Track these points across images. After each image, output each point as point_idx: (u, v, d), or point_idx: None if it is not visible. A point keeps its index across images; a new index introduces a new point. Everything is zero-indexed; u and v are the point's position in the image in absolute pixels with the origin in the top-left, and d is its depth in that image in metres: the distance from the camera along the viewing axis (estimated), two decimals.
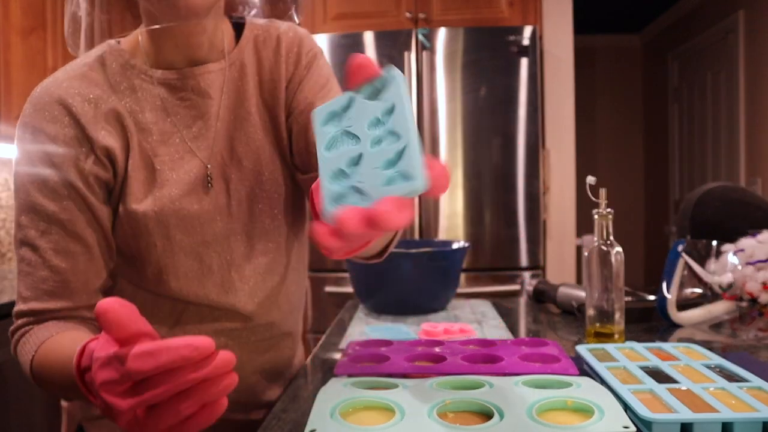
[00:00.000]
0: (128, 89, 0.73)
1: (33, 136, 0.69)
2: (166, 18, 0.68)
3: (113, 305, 0.45)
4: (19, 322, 0.70)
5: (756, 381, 0.67)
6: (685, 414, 0.57)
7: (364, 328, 1.11)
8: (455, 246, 1.29)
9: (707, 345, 0.96)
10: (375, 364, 0.79)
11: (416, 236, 2.50)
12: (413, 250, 1.22)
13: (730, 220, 1.47)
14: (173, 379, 0.43)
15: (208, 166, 0.76)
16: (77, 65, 0.73)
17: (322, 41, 2.52)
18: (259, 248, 0.81)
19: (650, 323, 1.14)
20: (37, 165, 0.69)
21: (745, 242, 1.28)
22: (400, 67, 2.48)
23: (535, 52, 2.45)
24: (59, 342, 0.65)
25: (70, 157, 0.70)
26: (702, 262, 1.30)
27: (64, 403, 0.87)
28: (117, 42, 0.76)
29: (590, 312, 0.96)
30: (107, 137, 0.71)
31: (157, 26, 0.69)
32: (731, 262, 1.26)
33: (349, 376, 0.73)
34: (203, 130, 0.76)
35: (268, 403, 0.89)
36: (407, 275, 1.20)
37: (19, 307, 0.70)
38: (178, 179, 0.75)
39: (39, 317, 0.70)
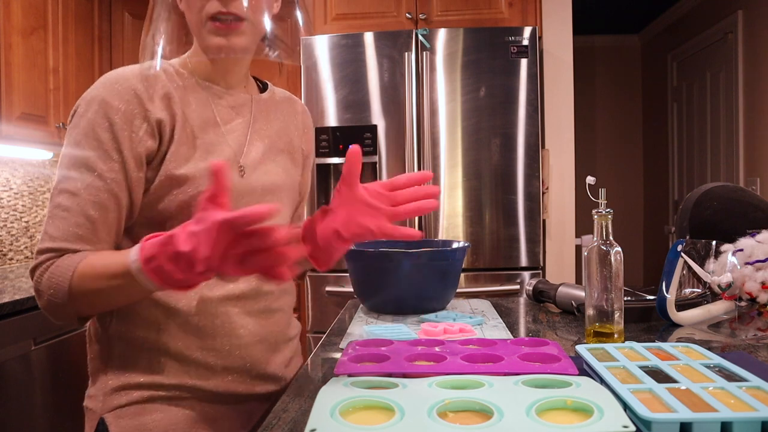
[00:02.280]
0: (181, 86, 0.90)
1: (99, 107, 0.83)
2: (218, 53, 0.88)
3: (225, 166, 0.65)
4: (44, 257, 0.80)
5: (755, 381, 0.67)
6: (685, 413, 0.57)
7: (363, 328, 1.11)
8: (455, 246, 1.29)
9: (706, 345, 0.96)
10: (375, 364, 0.79)
11: None
12: (413, 250, 1.22)
13: (729, 220, 1.47)
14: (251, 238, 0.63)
15: (240, 159, 0.92)
16: (143, 66, 0.87)
17: (323, 41, 2.52)
18: None
19: (649, 323, 1.14)
20: (97, 130, 0.82)
21: (744, 242, 1.29)
22: (401, 67, 2.49)
23: (534, 52, 2.46)
24: (101, 255, 0.80)
25: (127, 128, 0.83)
26: (701, 262, 1.30)
27: (86, 403, 0.90)
28: (168, 60, 0.92)
29: (590, 312, 0.96)
30: (160, 112, 0.85)
31: (211, 57, 0.91)
32: (730, 262, 1.26)
33: (349, 375, 0.74)
34: (237, 128, 0.94)
35: (270, 375, 0.97)
36: (407, 275, 1.20)
37: (46, 244, 0.81)
38: (219, 155, 0.89)
39: (62, 255, 0.80)
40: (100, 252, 0.82)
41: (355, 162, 0.77)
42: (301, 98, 2.54)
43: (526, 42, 2.45)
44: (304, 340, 2.59)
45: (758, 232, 1.29)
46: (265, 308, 0.96)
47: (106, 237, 0.83)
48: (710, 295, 1.24)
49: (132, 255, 0.71)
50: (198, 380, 0.89)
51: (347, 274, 2.50)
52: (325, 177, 2.61)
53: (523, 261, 2.48)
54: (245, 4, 0.85)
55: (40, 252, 0.81)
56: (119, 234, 0.86)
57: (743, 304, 1.25)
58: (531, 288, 1.36)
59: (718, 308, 1.18)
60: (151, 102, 0.85)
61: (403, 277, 1.21)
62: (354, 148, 0.76)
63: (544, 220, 2.66)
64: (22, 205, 2.63)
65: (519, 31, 2.46)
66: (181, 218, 0.80)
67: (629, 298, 1.21)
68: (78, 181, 0.81)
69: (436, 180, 2.50)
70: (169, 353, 0.88)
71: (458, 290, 1.33)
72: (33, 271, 0.81)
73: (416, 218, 2.50)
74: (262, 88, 1.05)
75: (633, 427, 0.54)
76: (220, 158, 0.89)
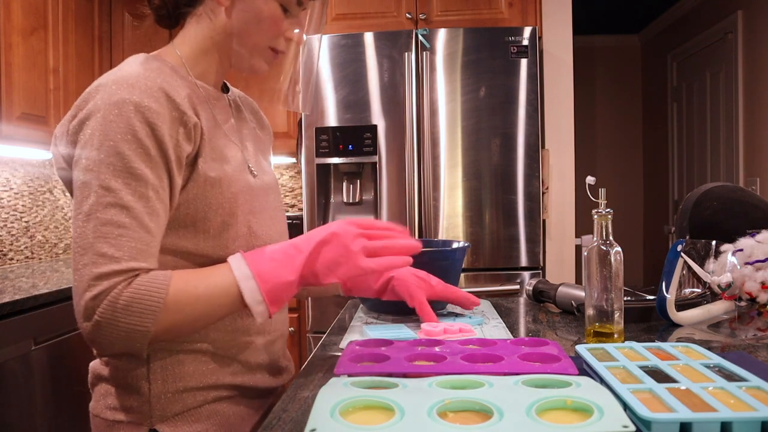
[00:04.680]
0: (187, 86, 0.87)
1: (137, 110, 0.76)
2: (252, 73, 0.94)
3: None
4: (110, 282, 0.71)
5: (755, 380, 0.67)
6: (685, 413, 0.57)
7: (363, 328, 1.11)
8: (455, 245, 1.29)
9: (706, 345, 0.96)
10: (375, 363, 0.79)
11: (416, 236, 2.50)
12: None
13: (729, 220, 1.47)
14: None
15: (246, 158, 0.94)
16: (146, 65, 0.83)
17: (323, 42, 2.52)
18: (280, 229, 0.98)
19: (649, 323, 1.14)
20: (139, 136, 0.76)
21: (744, 242, 1.29)
22: (401, 67, 2.49)
23: (534, 52, 2.46)
24: (193, 277, 0.78)
25: (168, 132, 0.78)
26: (701, 262, 1.30)
27: (121, 417, 0.84)
28: (153, 54, 0.89)
29: (590, 312, 0.96)
30: (192, 115, 0.83)
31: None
32: (730, 262, 1.26)
33: (349, 375, 0.74)
34: (231, 130, 0.94)
35: (283, 368, 1.00)
36: None
37: (109, 267, 0.72)
38: (233, 157, 0.90)
39: (132, 277, 0.73)
40: (186, 273, 0.78)
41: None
42: (294, 97, 2.54)
43: (526, 42, 2.45)
44: (304, 340, 2.60)
45: (758, 232, 1.29)
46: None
47: (158, 248, 0.79)
48: (710, 295, 1.24)
49: (248, 290, 0.76)
50: (241, 378, 0.90)
51: None
52: (325, 177, 2.61)
53: (523, 261, 2.48)
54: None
55: (102, 277, 0.71)
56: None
57: (743, 304, 1.25)
58: (531, 288, 1.36)
59: (717, 308, 1.18)
60: (182, 104, 0.81)
61: None
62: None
63: (544, 220, 2.66)
64: (22, 205, 2.63)
65: (519, 31, 2.46)
66: (211, 218, 0.83)
67: (629, 298, 1.21)
68: (126, 192, 0.74)
69: (436, 180, 2.50)
70: (213, 354, 0.87)
71: None
72: (93, 301, 0.71)
73: (416, 218, 2.50)
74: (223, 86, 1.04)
75: (633, 427, 0.54)
76: (235, 159, 0.90)
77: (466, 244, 1.29)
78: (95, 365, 0.89)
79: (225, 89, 1.01)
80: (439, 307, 1.26)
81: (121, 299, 0.71)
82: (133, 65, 0.82)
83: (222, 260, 0.83)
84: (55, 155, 0.83)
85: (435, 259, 1.23)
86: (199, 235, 0.84)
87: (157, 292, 0.73)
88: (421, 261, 1.21)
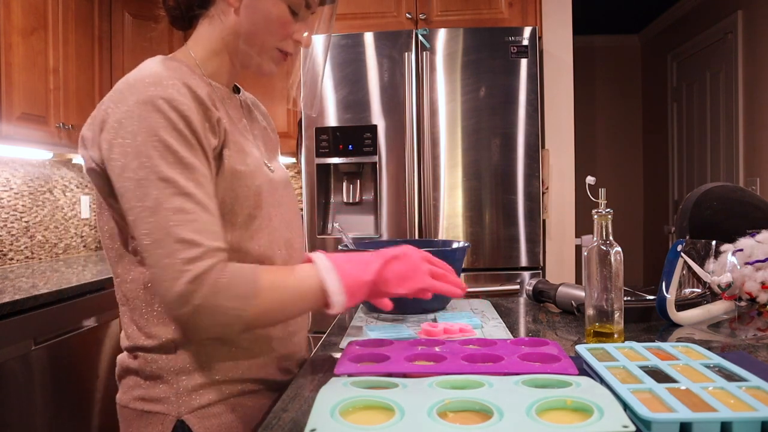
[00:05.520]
0: (205, 85, 0.89)
1: (170, 105, 0.79)
2: (261, 74, 0.96)
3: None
4: (206, 263, 0.75)
5: (755, 380, 0.67)
6: (685, 413, 0.57)
7: (364, 328, 1.11)
8: (455, 245, 1.29)
9: (706, 345, 0.96)
10: (375, 364, 0.79)
11: (416, 236, 2.50)
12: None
13: (729, 220, 1.47)
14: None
15: (262, 155, 0.96)
16: (165, 65, 0.85)
17: (322, 41, 2.52)
18: (297, 223, 1.01)
19: (649, 323, 1.14)
20: (179, 127, 0.79)
21: (744, 242, 1.29)
22: (400, 67, 2.49)
23: (534, 52, 2.46)
24: (278, 271, 0.84)
25: (200, 124, 0.81)
26: (701, 262, 1.30)
27: (148, 407, 0.86)
28: (169, 56, 0.92)
29: (590, 312, 0.96)
30: (214, 110, 0.85)
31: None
32: (730, 262, 1.26)
33: (349, 375, 0.74)
34: (245, 128, 0.97)
35: (300, 360, 1.02)
36: None
37: (198, 250, 0.74)
38: (251, 153, 0.92)
39: (222, 258, 0.77)
40: (267, 266, 0.83)
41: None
42: (300, 98, 2.54)
43: (526, 42, 2.45)
44: (305, 340, 2.60)
45: (758, 232, 1.29)
46: None
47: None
48: (710, 295, 1.24)
49: (330, 281, 0.82)
50: (266, 371, 0.92)
51: None
52: (325, 177, 2.61)
53: (523, 261, 2.48)
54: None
55: (194, 260, 0.74)
56: None
57: (743, 304, 1.25)
58: (531, 288, 1.36)
59: (717, 308, 1.18)
60: (206, 99, 0.84)
61: None
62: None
63: (544, 220, 2.66)
64: (22, 205, 2.63)
65: (519, 31, 2.46)
66: (238, 211, 0.87)
67: (629, 298, 1.21)
68: (185, 181, 0.77)
69: (436, 180, 2.50)
70: (239, 348, 0.88)
71: None
72: (192, 283, 0.73)
73: (416, 218, 2.50)
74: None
75: (633, 427, 0.54)
76: (254, 155, 0.92)
77: (466, 244, 1.29)
78: (123, 358, 0.90)
79: (236, 90, 1.03)
80: (439, 306, 1.26)
81: (221, 281, 0.75)
82: (153, 66, 0.84)
83: (245, 252, 0.87)
84: (86, 157, 0.84)
85: None
86: (227, 227, 0.85)
87: (251, 275, 0.78)
88: None
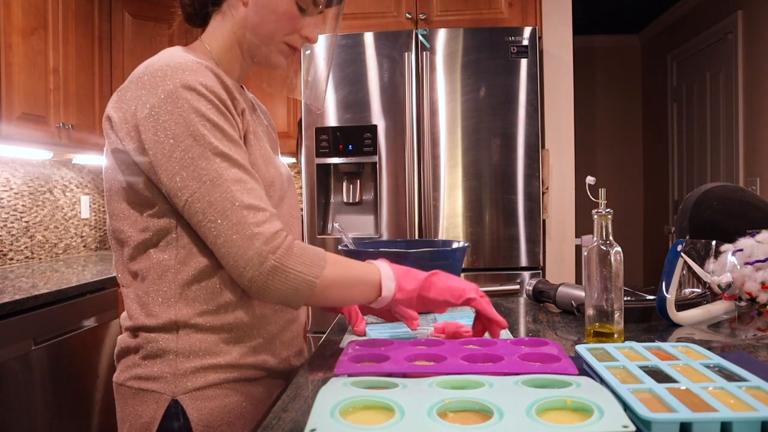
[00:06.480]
0: (226, 77, 0.91)
1: (207, 90, 0.83)
2: (269, 67, 1.00)
3: None
4: (276, 226, 0.82)
5: (755, 381, 0.67)
6: (685, 413, 0.57)
7: (366, 328, 1.11)
8: (455, 245, 1.29)
9: (706, 345, 0.96)
10: (375, 363, 0.79)
11: (416, 236, 2.50)
12: (413, 250, 1.23)
13: (729, 220, 1.47)
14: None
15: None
16: (193, 56, 0.88)
17: (322, 41, 2.52)
18: (298, 219, 1.05)
19: (649, 323, 1.14)
20: (221, 109, 0.84)
21: (744, 242, 1.29)
22: (400, 67, 2.49)
23: (534, 52, 2.46)
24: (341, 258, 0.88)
25: (230, 106, 0.86)
26: (701, 262, 1.30)
27: (143, 384, 0.87)
28: (186, 48, 0.96)
29: (590, 312, 0.96)
30: (240, 100, 0.90)
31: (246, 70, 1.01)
32: (730, 262, 1.26)
33: (349, 375, 0.74)
34: (257, 122, 1.00)
35: (302, 350, 1.04)
36: None
37: (266, 214, 0.81)
38: (264, 146, 0.95)
39: (280, 222, 0.83)
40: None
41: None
42: (301, 98, 2.54)
43: (526, 42, 2.45)
44: (305, 340, 2.60)
45: (758, 232, 1.29)
46: None
47: None
48: (710, 295, 1.24)
49: (387, 278, 0.88)
50: (267, 357, 0.93)
51: None
52: (325, 177, 2.61)
53: (523, 261, 2.48)
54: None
55: (265, 222, 0.80)
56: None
57: (743, 304, 1.25)
58: (531, 288, 1.36)
59: (717, 308, 1.18)
60: (231, 86, 0.88)
61: None
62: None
63: (544, 220, 2.66)
64: (22, 205, 2.63)
65: (519, 31, 2.46)
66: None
67: (629, 298, 1.21)
68: (236, 153, 0.83)
69: (436, 180, 2.50)
70: (237, 334, 0.89)
71: None
72: (267, 243, 0.79)
73: (416, 218, 2.50)
74: None
75: (633, 427, 0.54)
76: (266, 149, 0.95)
77: (466, 244, 1.29)
78: (123, 338, 0.92)
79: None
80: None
81: (295, 247, 0.81)
82: (176, 55, 0.87)
83: None
84: (112, 138, 0.86)
85: (435, 258, 1.23)
86: None
87: (319, 249, 0.84)
88: (422, 261, 1.21)
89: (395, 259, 1.20)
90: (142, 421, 0.85)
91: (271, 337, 0.93)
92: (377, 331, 1.07)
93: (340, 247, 1.34)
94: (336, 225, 1.41)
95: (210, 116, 0.81)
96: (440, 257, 1.23)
